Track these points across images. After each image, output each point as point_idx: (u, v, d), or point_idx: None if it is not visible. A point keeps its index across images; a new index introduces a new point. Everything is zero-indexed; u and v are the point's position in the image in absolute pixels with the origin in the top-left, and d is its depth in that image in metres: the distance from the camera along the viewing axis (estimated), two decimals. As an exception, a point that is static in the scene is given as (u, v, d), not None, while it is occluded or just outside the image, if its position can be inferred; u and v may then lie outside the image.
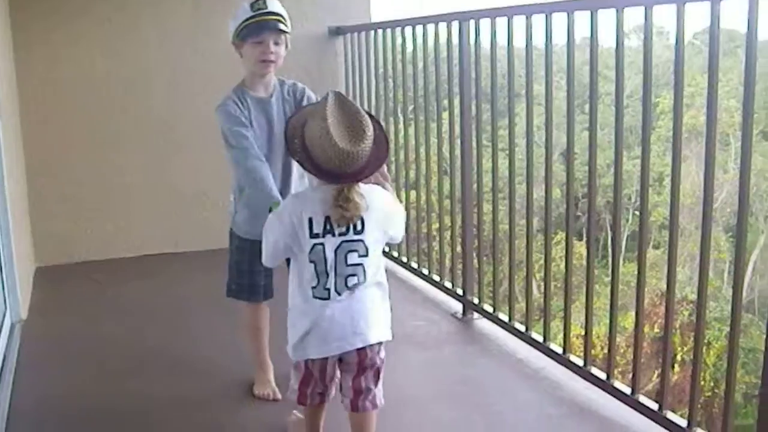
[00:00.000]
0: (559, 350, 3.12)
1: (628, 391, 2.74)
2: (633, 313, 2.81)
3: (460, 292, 3.85)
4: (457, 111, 3.77)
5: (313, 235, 2.16)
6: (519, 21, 3.12)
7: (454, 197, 4.05)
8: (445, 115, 3.92)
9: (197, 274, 4.58)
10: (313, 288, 2.19)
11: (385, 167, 2.39)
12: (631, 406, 2.71)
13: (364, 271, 2.19)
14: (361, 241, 2.17)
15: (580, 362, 3.00)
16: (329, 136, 2.04)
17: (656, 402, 2.63)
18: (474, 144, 3.66)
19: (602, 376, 2.87)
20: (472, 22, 3.52)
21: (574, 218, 3.14)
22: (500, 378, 3.18)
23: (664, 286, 2.58)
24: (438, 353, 3.45)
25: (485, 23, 3.43)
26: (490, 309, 3.63)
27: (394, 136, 4.40)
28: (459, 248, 3.93)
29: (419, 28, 4.10)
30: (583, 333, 3.06)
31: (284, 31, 2.68)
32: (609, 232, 16.61)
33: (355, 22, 5.00)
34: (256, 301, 2.93)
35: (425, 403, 2.94)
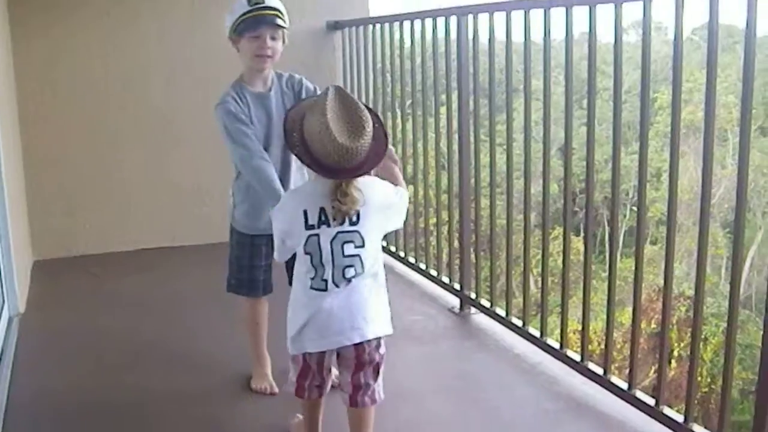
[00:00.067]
0: (557, 345, 3.12)
1: (625, 386, 2.75)
2: (630, 309, 2.81)
3: (457, 286, 3.86)
4: (454, 106, 3.77)
5: (308, 227, 2.16)
6: (517, 16, 3.12)
7: (451, 192, 4.05)
8: (443, 110, 3.92)
9: (195, 269, 4.58)
10: (311, 279, 2.20)
11: (393, 150, 2.40)
12: (628, 402, 2.71)
13: (362, 261, 2.18)
14: (357, 231, 2.17)
15: (577, 357, 3.00)
16: (329, 131, 2.03)
17: (653, 397, 2.64)
18: (471, 139, 3.65)
19: (599, 371, 2.88)
20: (470, 17, 3.51)
21: (571, 213, 3.14)
22: (497, 373, 3.18)
23: (662, 282, 2.58)
24: (435, 348, 3.45)
25: (483, 18, 3.43)
26: (487, 304, 3.63)
27: (392, 131, 4.40)
28: (456, 243, 3.94)
29: (417, 23, 4.09)
30: (580, 328, 3.07)
31: (281, 26, 2.67)
32: (606, 228, 16.61)
33: (353, 17, 4.99)
34: (255, 296, 2.93)
35: (422, 397, 2.94)
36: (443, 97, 3.90)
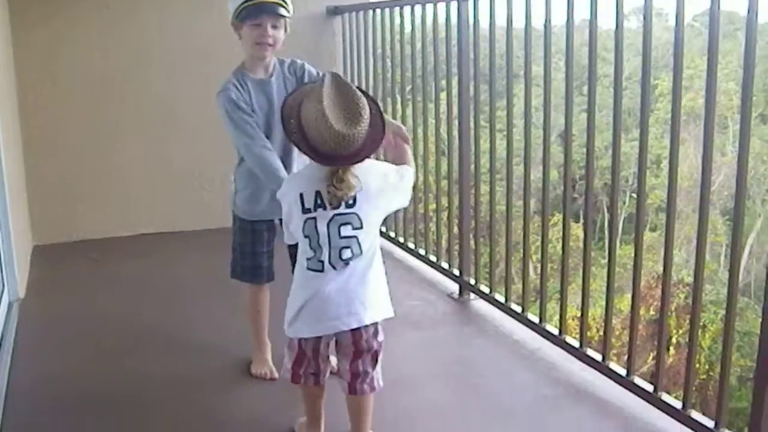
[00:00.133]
0: (556, 331, 3.13)
1: (623, 372, 2.76)
2: (629, 296, 2.82)
3: (456, 272, 3.86)
4: (455, 92, 3.76)
5: (305, 210, 2.17)
6: (518, 1, 3.11)
7: (451, 178, 4.04)
8: (443, 95, 3.91)
9: (194, 254, 4.58)
10: (308, 260, 2.20)
11: (404, 128, 2.42)
12: (627, 388, 2.72)
13: (359, 243, 2.18)
14: (355, 213, 2.17)
15: (576, 344, 3.01)
16: (325, 118, 2.03)
17: (651, 384, 2.65)
18: (471, 125, 3.64)
19: (598, 357, 2.89)
20: (470, 2, 3.50)
21: (571, 200, 3.14)
22: (496, 359, 3.19)
23: (661, 269, 2.58)
24: (434, 333, 3.46)
25: (484, 3, 3.42)
26: (486, 290, 3.63)
27: (392, 117, 4.39)
28: (456, 229, 3.94)
29: (418, 8, 4.08)
30: (579, 314, 3.07)
31: (283, 16, 2.66)
32: (606, 214, 16.60)
33: (353, 2, 4.97)
34: (259, 282, 2.94)
35: (421, 383, 2.95)
36: (443, 82, 3.89)
